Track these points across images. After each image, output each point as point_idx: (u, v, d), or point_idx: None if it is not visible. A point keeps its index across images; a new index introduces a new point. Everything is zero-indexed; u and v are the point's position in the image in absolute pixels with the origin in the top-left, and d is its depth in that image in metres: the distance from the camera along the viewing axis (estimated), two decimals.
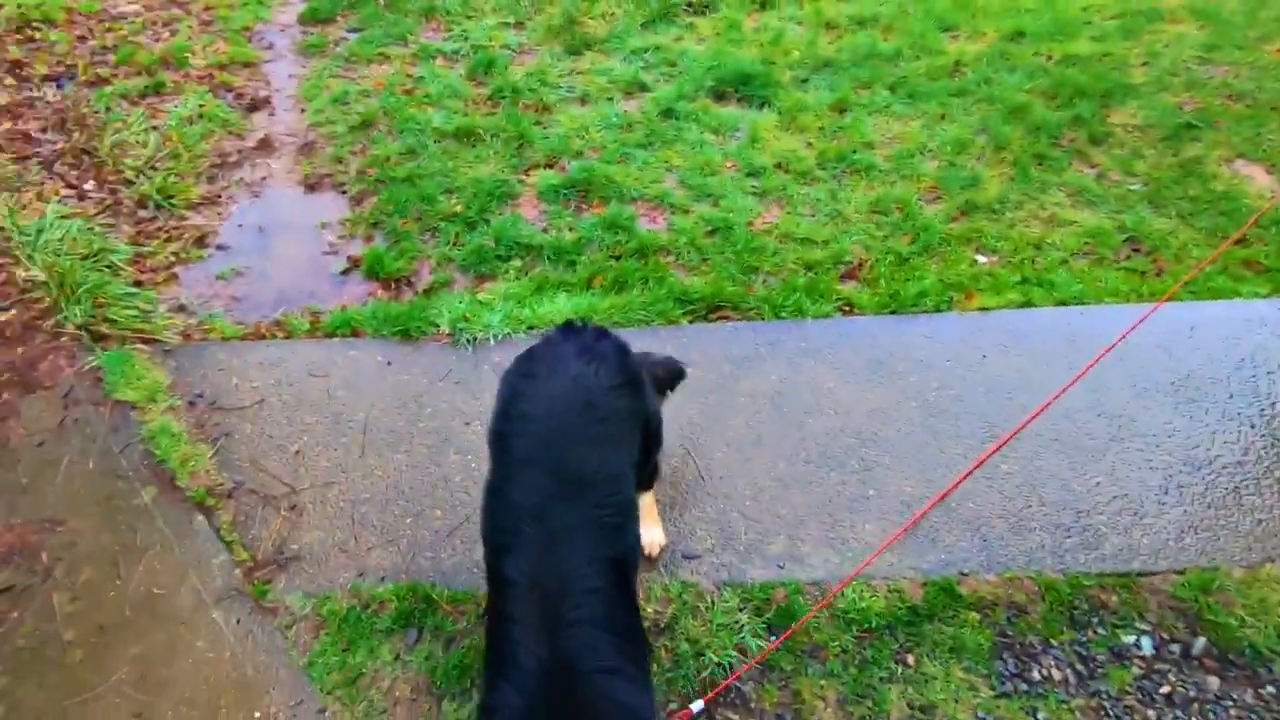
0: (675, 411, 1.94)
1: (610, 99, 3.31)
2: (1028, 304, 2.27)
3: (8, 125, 3.25)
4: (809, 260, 2.47)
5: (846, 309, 2.30)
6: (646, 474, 1.53)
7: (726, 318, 2.30)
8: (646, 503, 1.64)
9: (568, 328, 1.35)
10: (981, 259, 2.47)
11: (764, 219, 2.67)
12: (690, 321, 2.28)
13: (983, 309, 2.27)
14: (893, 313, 2.27)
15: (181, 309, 2.45)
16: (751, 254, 2.49)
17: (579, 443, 1.17)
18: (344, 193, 2.91)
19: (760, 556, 1.70)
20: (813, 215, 2.68)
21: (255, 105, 3.41)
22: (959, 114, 3.12)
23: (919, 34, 3.60)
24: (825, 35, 3.69)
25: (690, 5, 3.98)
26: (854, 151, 2.93)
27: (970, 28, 3.67)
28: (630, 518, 1.22)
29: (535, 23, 3.87)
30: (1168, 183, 2.73)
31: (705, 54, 3.54)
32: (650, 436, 1.43)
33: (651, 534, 1.66)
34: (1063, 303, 2.27)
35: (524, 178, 2.91)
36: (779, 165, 2.91)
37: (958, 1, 3.85)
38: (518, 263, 2.54)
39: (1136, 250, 2.51)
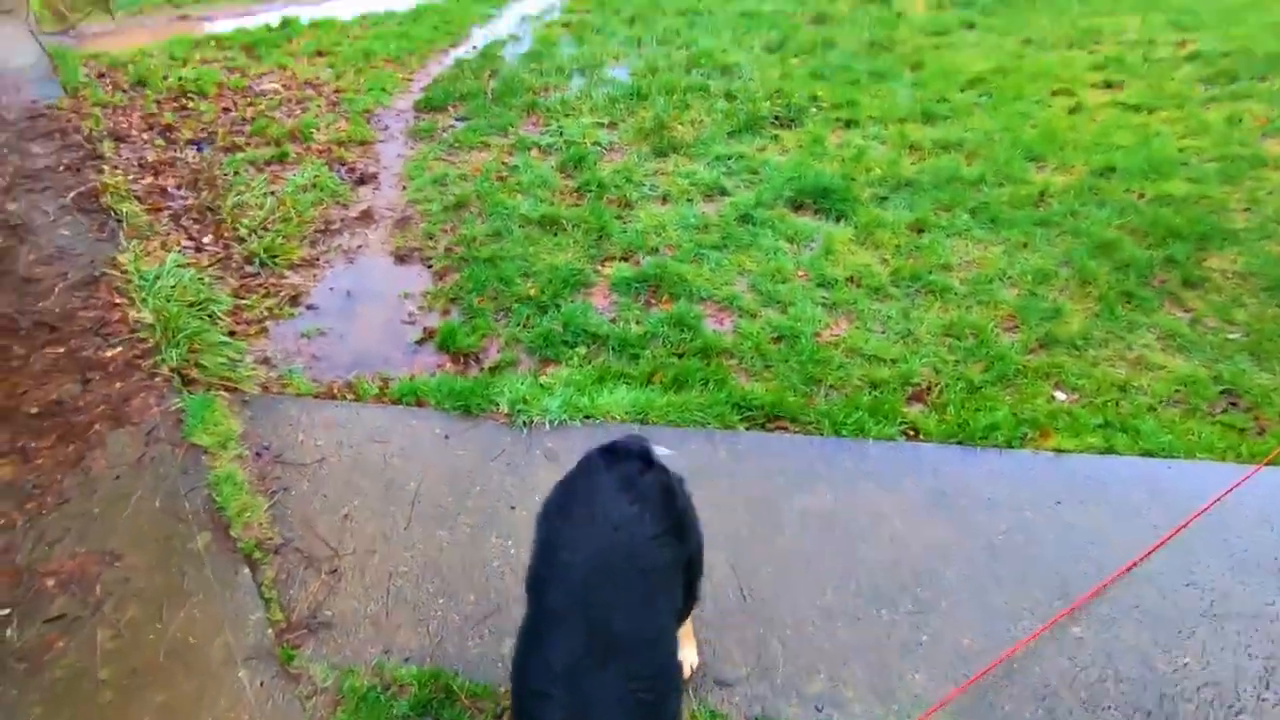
0: (723, 520, 1.89)
1: (690, 200, 3.43)
2: (1109, 450, 2.14)
3: (150, 180, 3.63)
4: (875, 378, 2.42)
5: (911, 433, 2.23)
6: (686, 607, 1.45)
7: (784, 428, 2.26)
8: (684, 628, 1.56)
9: (610, 452, 1.29)
10: (1060, 396, 2.36)
11: (832, 331, 2.66)
12: (747, 428, 2.24)
13: (1059, 450, 2.15)
14: (960, 443, 2.17)
15: (266, 361, 2.60)
16: (816, 365, 2.46)
17: (618, 599, 1.11)
18: (430, 267, 3.08)
19: (798, 694, 1.59)
20: (882, 332, 2.64)
21: (363, 179, 3.70)
22: (1042, 244, 3.07)
23: (1003, 162, 3.61)
24: (908, 156, 3.75)
25: (777, 119, 4.15)
26: (929, 272, 2.91)
27: (1058, 160, 3.66)
28: (671, 687, 1.13)
29: (627, 124, 4.11)
30: (1271, 335, 2.57)
31: (787, 165, 3.65)
32: (692, 572, 1.37)
33: (685, 653, 1.58)
34: (1149, 453, 2.12)
35: (599, 268, 3.01)
36: (851, 279, 2.91)
37: (1045, 133, 3.86)
38: (582, 350, 2.59)
39: (1234, 404, 2.34)
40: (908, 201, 3.38)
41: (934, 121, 4.06)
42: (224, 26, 5.78)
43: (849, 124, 4.10)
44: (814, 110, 4.24)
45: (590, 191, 3.46)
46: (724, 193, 3.49)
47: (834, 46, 5.12)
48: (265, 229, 3.24)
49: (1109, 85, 4.47)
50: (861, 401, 2.30)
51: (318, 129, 4.11)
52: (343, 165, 3.81)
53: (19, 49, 5.01)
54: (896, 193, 3.45)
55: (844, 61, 4.82)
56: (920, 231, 3.18)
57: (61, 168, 3.65)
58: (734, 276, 2.94)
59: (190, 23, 5.98)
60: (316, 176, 3.63)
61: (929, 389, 2.40)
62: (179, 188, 3.57)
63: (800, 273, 2.95)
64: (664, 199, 3.46)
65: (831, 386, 2.41)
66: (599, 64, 4.94)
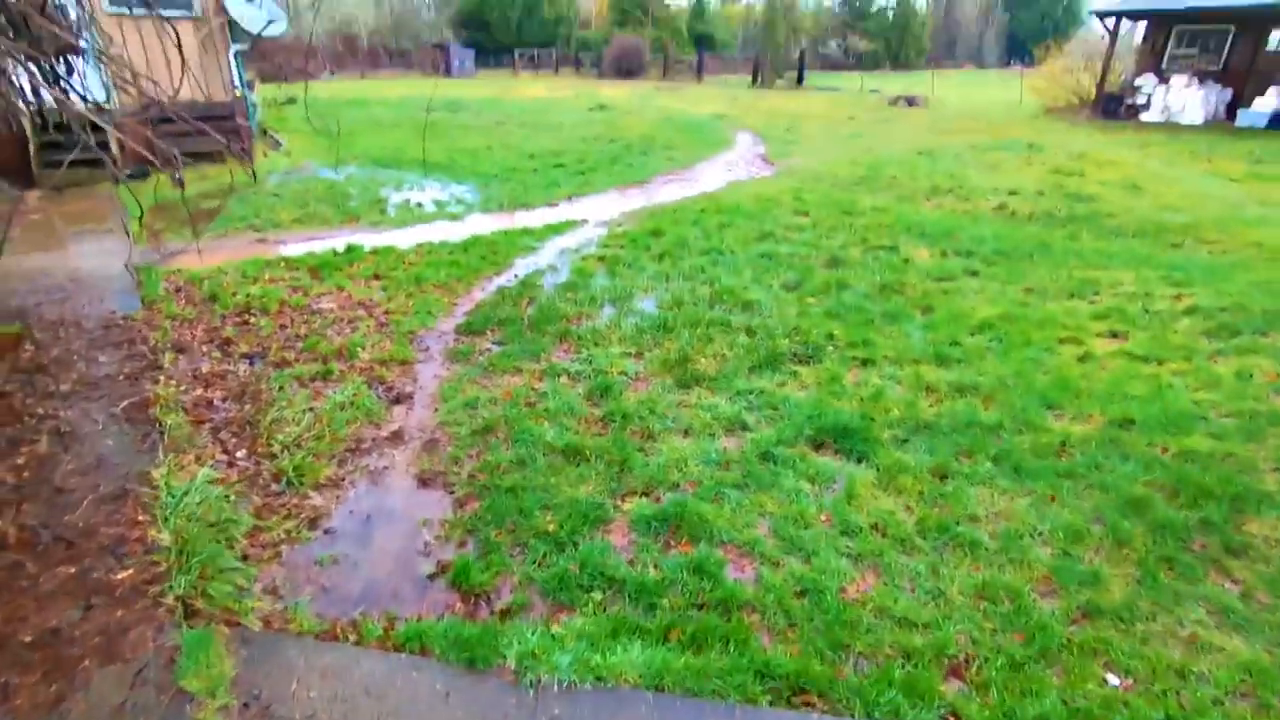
0: None
1: (712, 434, 3.50)
2: None
3: (200, 391, 3.84)
4: (907, 646, 2.27)
5: (952, 719, 2.03)
6: None
7: (811, 704, 2.08)
8: None
9: None
10: (1113, 680, 2.17)
11: (858, 586, 2.55)
12: (770, 703, 2.07)
13: None
14: None
15: (273, 591, 2.53)
16: (843, 627, 2.33)
17: None
18: (452, 493, 3.10)
19: None
20: (912, 591, 2.53)
21: (399, 399, 3.87)
22: (1069, 498, 3.02)
23: (1020, 408, 3.69)
24: (925, 398, 3.86)
25: (796, 355, 4.36)
26: (957, 523, 2.85)
27: (1074, 408, 3.73)
28: None
29: (653, 355, 4.34)
30: None
31: (807, 401, 3.76)
32: None
33: None
34: None
35: (619, 503, 3.00)
36: (875, 527, 2.85)
37: (1059, 380, 3.99)
38: (598, 595, 2.49)
39: None
40: (928, 445, 3.41)
41: (948, 364, 4.23)
42: (295, 250, 6.47)
43: (865, 363, 4.28)
44: (831, 349, 4.47)
45: (615, 421, 3.57)
46: (745, 428, 3.57)
47: (847, 288, 5.52)
48: (299, 445, 3.34)
49: (1114, 335, 4.69)
50: (894, 676, 2.13)
51: (364, 348, 4.40)
52: (381, 384, 4.01)
53: (111, 263, 5.59)
54: (916, 435, 3.50)
55: (857, 302, 5.17)
56: (943, 478, 3.17)
57: (121, 376, 3.89)
58: (755, 518, 2.90)
59: (267, 245, 6.70)
60: (355, 394, 3.81)
61: (967, 662, 2.23)
62: (225, 400, 3.76)
63: (823, 517, 2.91)
64: (686, 432, 3.54)
65: (860, 653, 2.25)
66: (629, 296, 5.36)
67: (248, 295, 5.18)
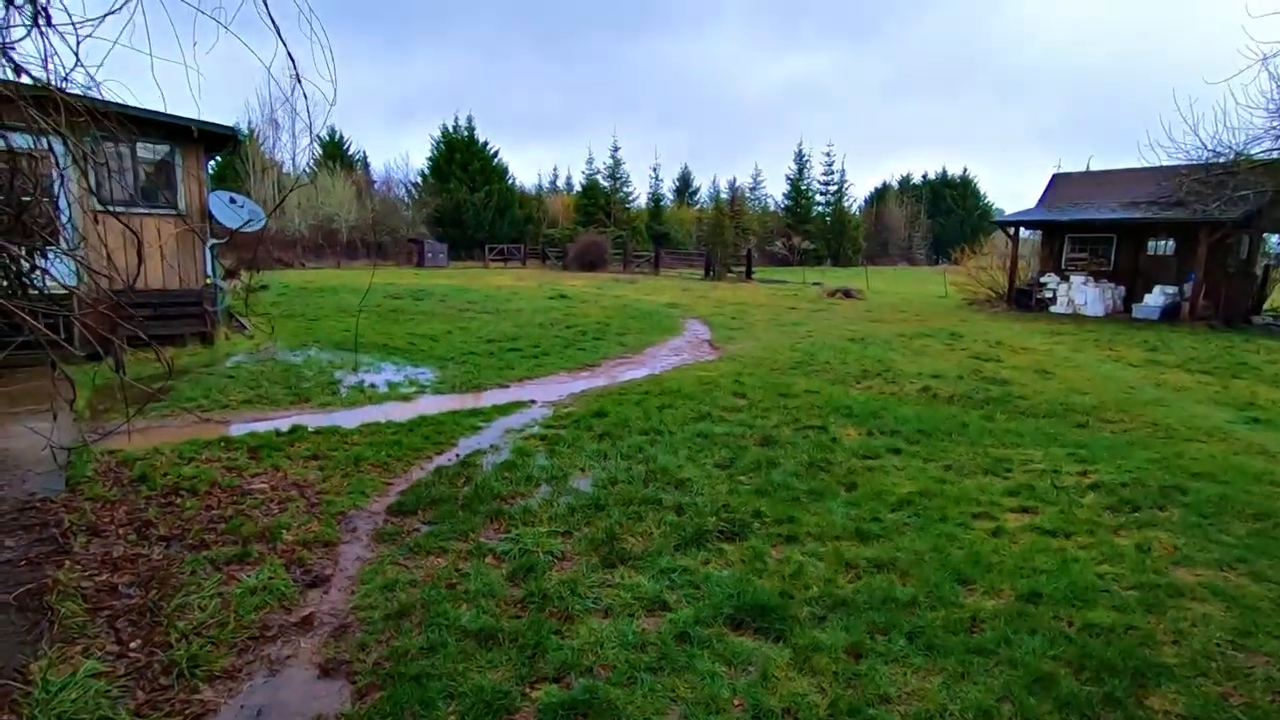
0: None
1: (632, 614, 3.47)
2: None
3: (105, 577, 3.71)
4: None
5: None
6: None
7: None
8: None
9: None
10: None
11: None
12: None
13: None
14: None
15: None
16: None
17: None
18: (354, 682, 2.96)
19: None
20: None
21: (316, 582, 3.78)
22: (980, 675, 3.03)
23: (935, 583, 3.78)
24: (844, 574, 3.93)
25: (722, 533, 4.45)
26: (869, 705, 2.82)
27: (986, 583, 3.83)
28: None
29: (582, 534, 4.38)
30: None
31: (729, 579, 3.79)
32: None
33: None
34: None
35: (528, 690, 2.90)
36: (788, 711, 2.80)
37: (972, 555, 4.12)
38: None
39: None
40: (844, 622, 3.43)
41: (868, 540, 4.36)
42: (238, 430, 6.53)
43: (789, 539, 4.38)
44: (756, 525, 4.57)
45: (534, 603, 3.53)
46: (665, 607, 3.56)
47: (777, 466, 5.74)
48: (199, 633, 3.21)
49: (1025, 510, 4.92)
50: None
51: (289, 529, 4.35)
52: (301, 567, 3.93)
53: (43, 444, 5.55)
54: (833, 612, 3.53)
55: (785, 480, 5.36)
56: (858, 656, 3.17)
57: (23, 562, 3.76)
58: (666, 704, 2.83)
59: (211, 425, 6.75)
60: (271, 578, 3.72)
61: None
62: (131, 585, 3.63)
63: (736, 701, 2.85)
64: (606, 612, 3.51)
65: None
66: (565, 475, 5.47)
67: (179, 476, 5.16)
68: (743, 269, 35.81)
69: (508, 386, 9.06)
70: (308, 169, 52.38)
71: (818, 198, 69.20)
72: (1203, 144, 17.14)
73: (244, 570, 3.84)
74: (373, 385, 8.78)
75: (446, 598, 3.57)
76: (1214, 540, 4.40)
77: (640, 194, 64.66)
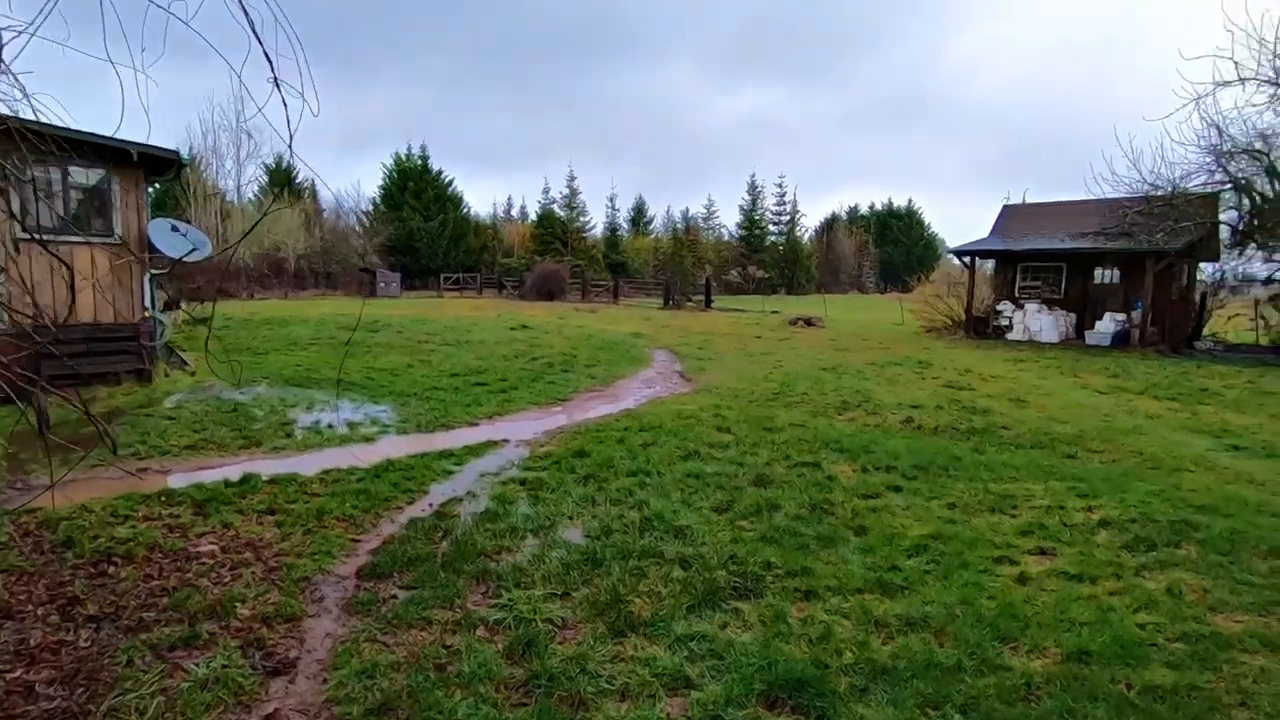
0: None
1: (653, 696, 3.05)
2: None
3: (20, 672, 3.10)
4: None
5: None
6: None
7: None
8: None
9: None
10: None
11: None
12: None
13: None
14: None
15: None
16: None
17: None
18: None
19: None
20: None
21: (279, 669, 3.24)
22: None
23: (975, 643, 3.47)
24: (875, 635, 3.59)
25: (735, 589, 4.07)
26: None
27: (1028, 639, 3.54)
28: None
29: (581, 595, 3.94)
30: None
31: (753, 646, 3.41)
32: None
33: None
34: None
35: None
36: None
37: (1005, 608, 3.84)
38: None
39: None
40: (889, 694, 3.09)
41: (892, 593, 4.04)
42: (181, 481, 5.87)
43: (808, 595, 4.03)
44: (770, 579, 4.21)
45: (540, 687, 3.07)
46: (689, 684, 3.15)
47: (778, 509, 5.41)
48: None
49: (1043, 552, 4.69)
50: None
51: (244, 601, 3.78)
52: (260, 649, 3.38)
53: None
54: (875, 682, 3.18)
55: (790, 525, 5.03)
56: None
57: None
58: None
59: (149, 476, 6.06)
60: (225, 666, 3.17)
61: None
62: (51, 684, 3.03)
63: None
64: (623, 695, 3.08)
65: None
66: (553, 525, 5.03)
67: (112, 539, 4.52)
68: (702, 298, 35.91)
69: (477, 424, 8.55)
70: (256, 193, 50.79)
71: (771, 227, 70.65)
72: (1143, 178, 17.97)
73: (192, 656, 3.28)
74: (330, 425, 8.15)
75: (436, 683, 3.08)
76: (1241, 581, 4.23)
77: (597, 223, 64.90)
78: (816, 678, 3.15)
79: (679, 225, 69.54)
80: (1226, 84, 16.35)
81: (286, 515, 5.11)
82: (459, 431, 8.18)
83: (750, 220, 69.40)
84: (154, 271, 10.97)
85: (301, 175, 56.83)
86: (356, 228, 54.83)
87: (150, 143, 9.98)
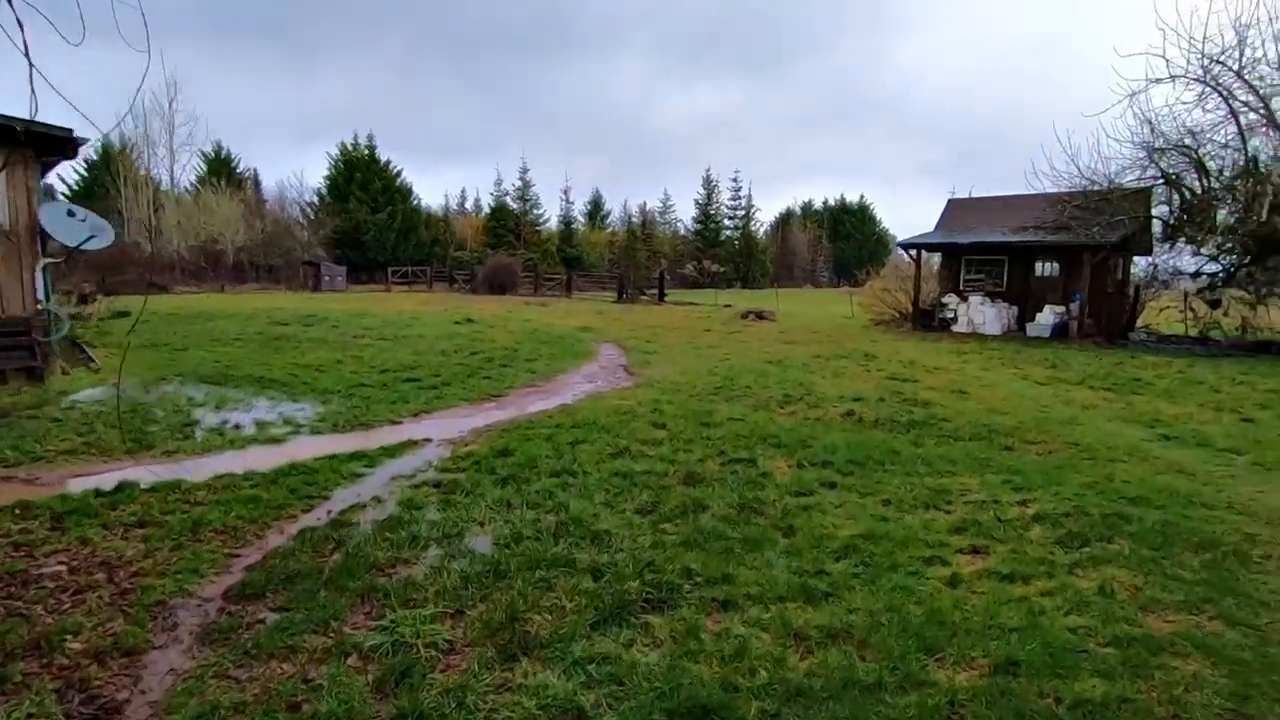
0: None
1: None
2: None
3: None
4: None
5: None
6: None
7: None
8: None
9: None
10: None
11: None
12: None
13: None
14: None
15: None
16: None
17: None
18: None
19: None
20: None
21: (99, 716, 2.76)
22: None
23: (898, 655, 3.20)
24: (794, 649, 3.29)
25: (647, 600, 3.73)
26: None
27: (956, 650, 3.29)
28: None
29: (476, 614, 3.54)
30: None
31: (660, 668, 3.07)
32: None
33: None
34: None
35: None
36: None
37: (933, 614, 3.59)
38: None
39: None
40: None
41: (816, 601, 3.75)
42: (46, 491, 5.25)
43: (726, 605, 3.71)
44: (687, 588, 3.89)
45: None
46: (580, 716, 2.79)
47: (705, 509, 5.10)
48: None
49: (975, 550, 4.48)
50: None
51: (78, 633, 3.28)
52: (84, 690, 2.89)
53: None
54: (789, 706, 2.87)
55: (716, 527, 4.72)
56: None
57: None
58: None
59: (12, 485, 5.42)
60: (31, 716, 2.68)
61: None
62: None
63: None
64: None
65: None
66: (460, 533, 4.62)
67: None
68: (656, 291, 35.64)
69: (400, 423, 8.04)
70: (194, 182, 48.55)
71: (726, 222, 70.85)
72: (1080, 173, 18.32)
73: None
74: (238, 426, 7.55)
75: None
76: (1172, 577, 4.08)
77: (551, 217, 64.05)
78: (724, 703, 2.83)
79: (635, 219, 69.21)
80: (1158, 81, 16.77)
81: (159, 528, 4.57)
82: (379, 431, 7.66)
83: (706, 215, 69.49)
84: (47, 260, 10.08)
85: (243, 164, 54.72)
86: (300, 219, 52.90)
87: (39, 119, 9.13)
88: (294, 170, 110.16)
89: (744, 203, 71.11)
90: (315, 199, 53.35)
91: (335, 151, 52.59)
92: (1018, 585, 3.99)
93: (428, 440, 7.19)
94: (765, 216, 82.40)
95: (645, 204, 73.18)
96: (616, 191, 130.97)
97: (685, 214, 75.25)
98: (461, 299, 32.95)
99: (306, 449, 6.72)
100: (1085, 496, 5.46)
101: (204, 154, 51.39)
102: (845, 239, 77.36)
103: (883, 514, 5.10)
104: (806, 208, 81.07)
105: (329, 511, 5.06)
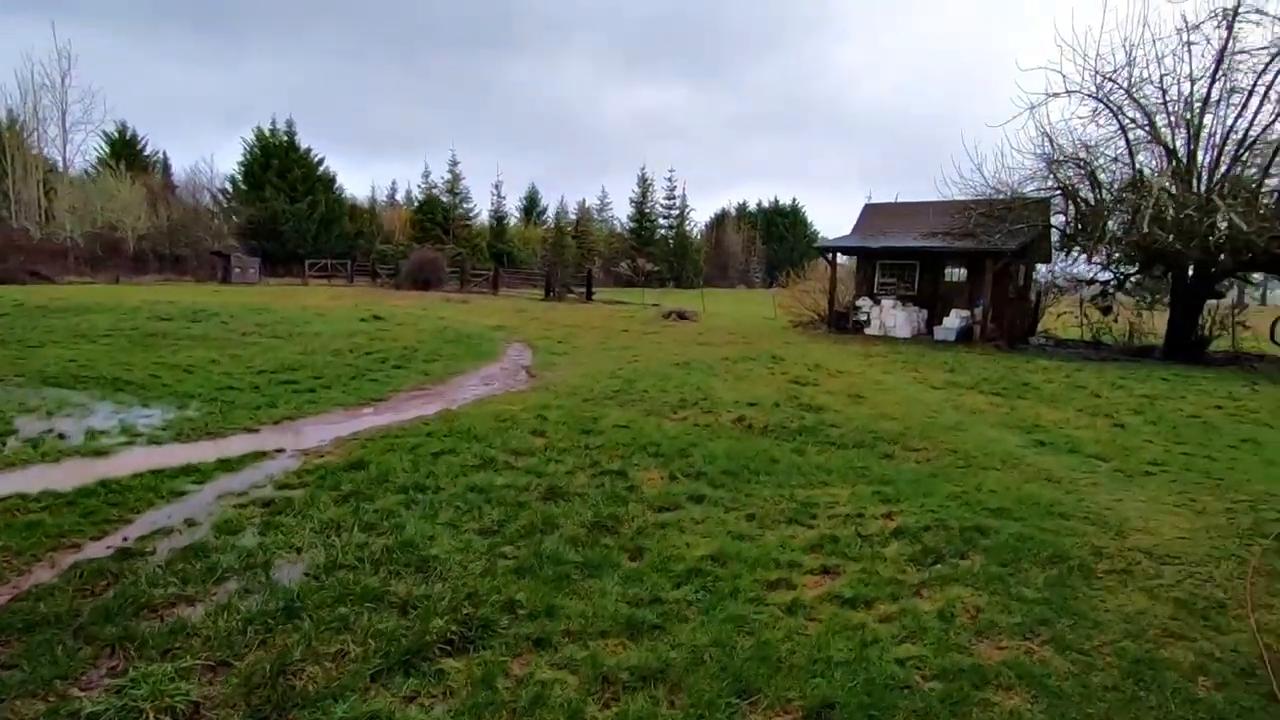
0: None
1: None
2: None
3: None
4: None
5: None
6: None
7: None
8: None
9: None
10: None
11: None
12: None
13: None
14: None
15: None
16: None
17: None
18: None
19: None
20: None
21: None
22: None
23: (709, 700, 2.93)
24: (597, 697, 2.97)
25: (453, 640, 3.34)
26: None
27: (773, 690, 3.04)
28: None
29: (244, 665, 3.08)
30: None
31: None
32: None
33: None
34: None
35: None
36: None
37: (760, 648, 3.34)
38: None
39: None
40: None
41: (639, 636, 3.44)
42: None
43: (540, 643, 3.36)
44: (505, 623, 3.52)
45: None
46: None
47: (556, 528, 4.76)
48: None
49: (826, 571, 4.28)
50: None
51: None
52: None
53: None
54: None
55: (558, 550, 4.38)
56: None
57: None
58: None
59: None
60: None
61: None
62: None
63: None
64: None
65: None
66: (269, 562, 4.12)
67: None
68: (584, 289, 35.19)
69: (258, 431, 7.38)
70: (94, 164, 45.12)
71: (661, 221, 70.94)
72: (986, 181, 18.91)
73: None
74: (63, 435, 6.75)
75: None
76: (1015, 597, 3.97)
77: (482, 211, 62.61)
78: None
79: (571, 216, 68.50)
80: (1056, 95, 17.43)
81: None
82: (231, 439, 7.00)
83: (640, 213, 69.38)
84: None
85: (151, 147, 51.30)
86: (212, 207, 49.90)
87: None
88: (203, 156, 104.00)
89: (679, 202, 71.38)
90: (228, 186, 50.43)
91: (251, 137, 49.79)
92: (859, 611, 3.79)
93: (280, 451, 6.58)
94: (701, 217, 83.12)
95: (584, 201, 72.63)
96: (556, 189, 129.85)
97: (623, 212, 75.02)
98: (380, 294, 31.67)
99: (132, 462, 6.02)
100: (949, 508, 5.38)
101: (105, 134, 47.91)
102: (779, 241, 78.67)
103: (742, 531, 4.86)
104: (741, 209, 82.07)
105: (124, 539, 4.46)
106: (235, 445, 6.77)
